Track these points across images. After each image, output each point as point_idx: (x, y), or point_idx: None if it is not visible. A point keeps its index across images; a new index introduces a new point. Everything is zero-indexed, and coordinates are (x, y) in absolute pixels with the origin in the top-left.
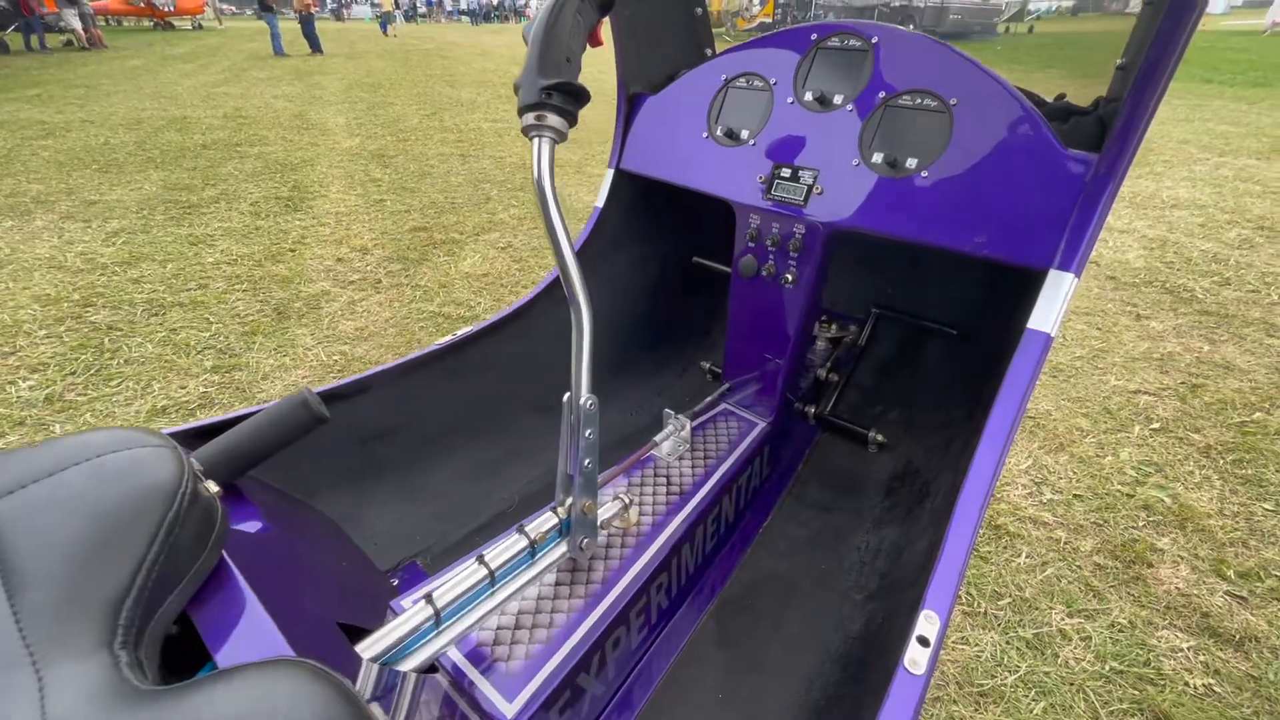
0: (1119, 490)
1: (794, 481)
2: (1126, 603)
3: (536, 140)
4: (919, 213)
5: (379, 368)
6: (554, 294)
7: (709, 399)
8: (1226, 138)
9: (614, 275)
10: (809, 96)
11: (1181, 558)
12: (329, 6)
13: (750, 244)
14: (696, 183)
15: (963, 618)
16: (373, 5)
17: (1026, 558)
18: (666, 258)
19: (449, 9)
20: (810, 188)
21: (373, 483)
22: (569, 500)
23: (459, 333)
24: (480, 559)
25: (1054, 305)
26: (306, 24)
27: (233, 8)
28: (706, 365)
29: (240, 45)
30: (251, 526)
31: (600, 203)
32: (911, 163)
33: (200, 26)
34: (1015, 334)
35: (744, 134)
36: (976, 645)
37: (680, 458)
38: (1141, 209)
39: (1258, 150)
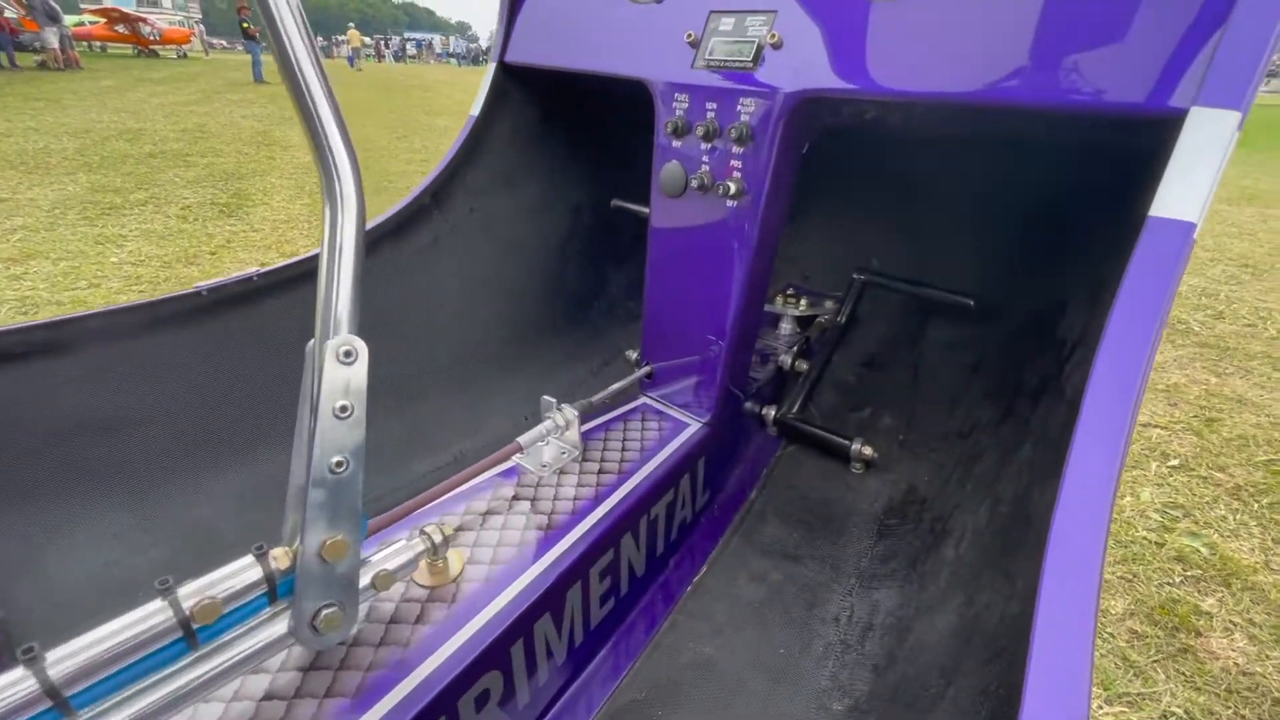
0: (1145, 538)
1: (743, 514)
2: (1177, 684)
3: None
4: (942, 51)
5: (94, 310)
6: (419, 220)
7: (617, 385)
8: None
9: (500, 224)
10: None
11: (1234, 623)
12: (320, 45)
13: (674, 143)
14: (595, 63)
15: None
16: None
17: None
18: (579, 203)
19: (438, 51)
20: (762, 40)
21: (76, 504)
22: (297, 538)
23: (244, 272)
24: (30, 660)
25: (1202, 170)
26: None
27: (224, 42)
28: (635, 355)
29: (222, 73)
30: None
31: (476, 110)
32: None
33: (185, 56)
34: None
35: None
36: None
37: (562, 470)
38: None
39: (1225, 198)
